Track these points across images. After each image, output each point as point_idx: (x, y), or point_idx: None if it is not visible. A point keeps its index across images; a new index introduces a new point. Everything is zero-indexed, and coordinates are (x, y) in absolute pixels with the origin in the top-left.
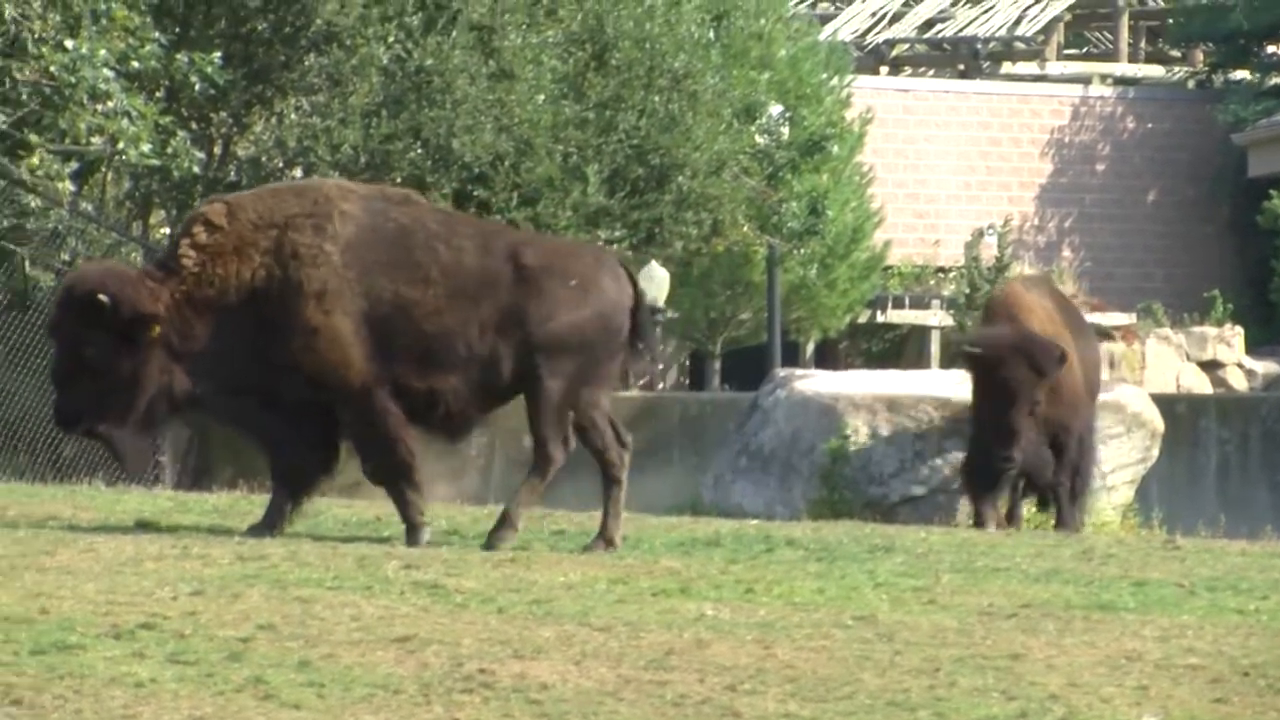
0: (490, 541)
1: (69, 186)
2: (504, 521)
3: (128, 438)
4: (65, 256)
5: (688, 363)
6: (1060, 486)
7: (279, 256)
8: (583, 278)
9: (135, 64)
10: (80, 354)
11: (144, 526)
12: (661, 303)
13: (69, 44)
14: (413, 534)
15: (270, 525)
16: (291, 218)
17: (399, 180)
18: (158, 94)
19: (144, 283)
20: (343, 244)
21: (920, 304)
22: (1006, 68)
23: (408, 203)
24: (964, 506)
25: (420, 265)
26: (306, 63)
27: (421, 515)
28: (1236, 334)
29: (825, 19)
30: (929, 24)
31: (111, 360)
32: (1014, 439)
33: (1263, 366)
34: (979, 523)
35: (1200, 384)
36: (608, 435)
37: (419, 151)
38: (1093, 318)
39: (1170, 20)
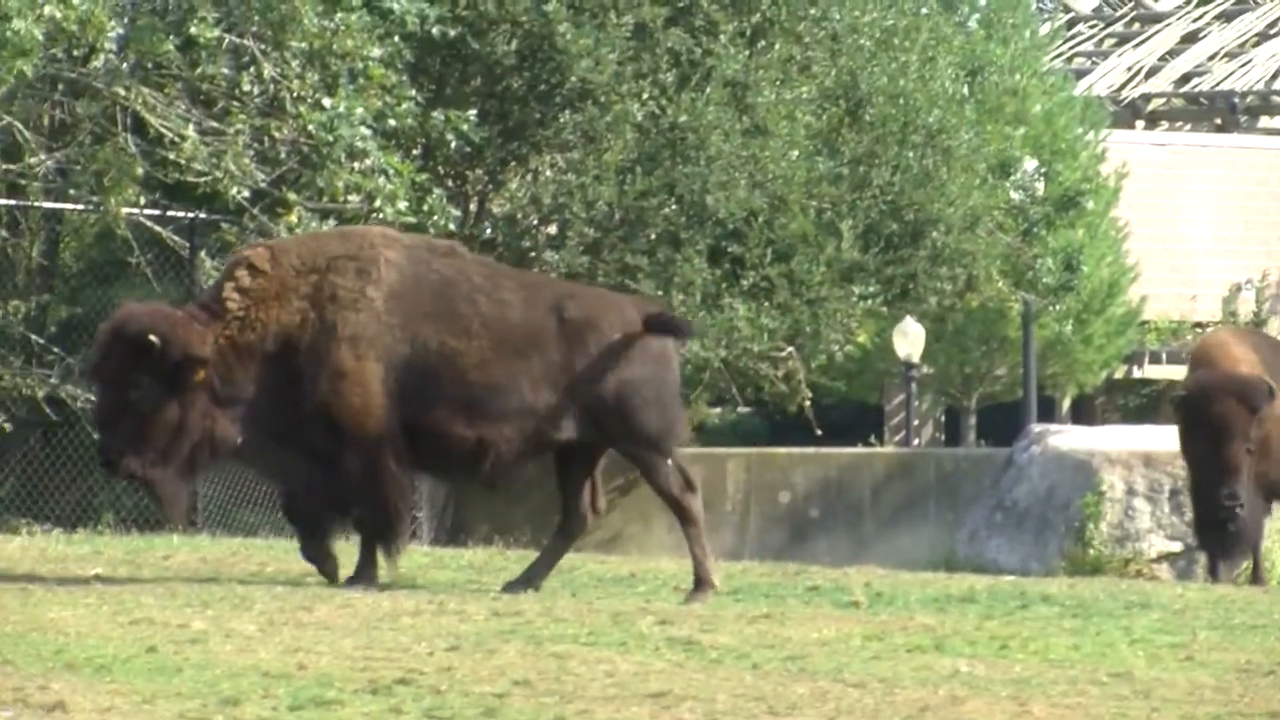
0: (689, 603)
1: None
2: (698, 585)
3: (170, 483)
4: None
5: (943, 418)
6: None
7: (317, 299)
8: (626, 330)
9: (392, 122)
10: (125, 396)
11: (400, 582)
12: (916, 358)
13: (327, 103)
14: (356, 581)
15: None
16: (334, 259)
17: (653, 236)
18: (414, 151)
19: (192, 324)
20: (386, 290)
21: (1177, 359)
22: (1265, 121)
23: (452, 254)
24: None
25: (464, 317)
26: (561, 120)
27: (375, 572)
28: None
29: (1080, 74)
30: (1186, 78)
31: (157, 403)
32: (1234, 475)
33: None
34: (1213, 575)
35: None
36: (584, 492)
37: (673, 208)
38: None
39: None
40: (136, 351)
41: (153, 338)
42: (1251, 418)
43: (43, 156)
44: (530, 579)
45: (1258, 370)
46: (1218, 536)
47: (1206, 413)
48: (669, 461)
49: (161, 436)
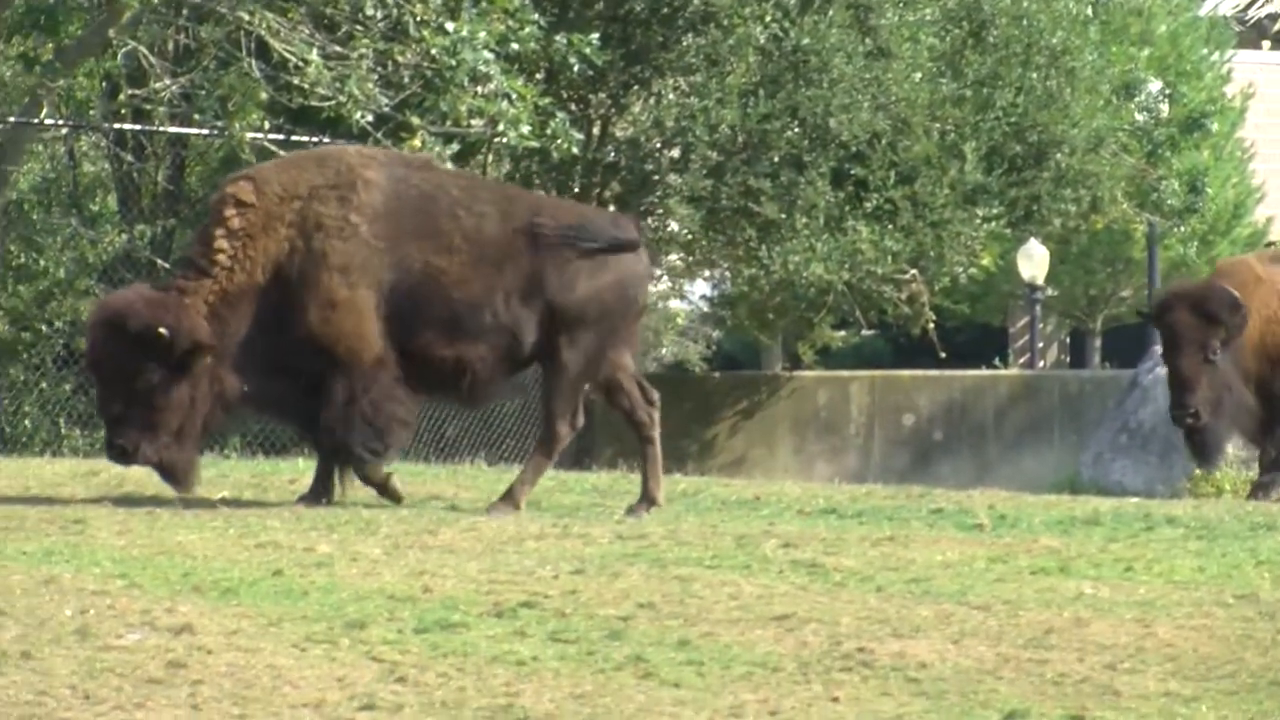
0: (490, 513)
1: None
2: (506, 497)
3: (184, 460)
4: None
5: (1068, 340)
6: (1264, 452)
7: (303, 229)
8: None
9: (514, 46)
10: (131, 386)
11: (526, 506)
12: (1040, 280)
13: (449, 26)
14: (311, 498)
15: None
16: (315, 189)
17: (776, 160)
18: (537, 75)
19: (184, 302)
20: (370, 214)
21: None
22: None
23: (427, 168)
24: None
25: (446, 233)
26: (684, 43)
27: (330, 492)
28: None
29: None
30: None
31: (167, 389)
32: (1185, 387)
33: None
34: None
35: None
36: (635, 395)
37: (796, 131)
38: None
39: None
40: (143, 343)
41: (163, 330)
42: (1209, 327)
43: (168, 81)
44: (649, 497)
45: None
46: (1188, 446)
47: (1162, 323)
48: (581, 387)
49: (175, 418)
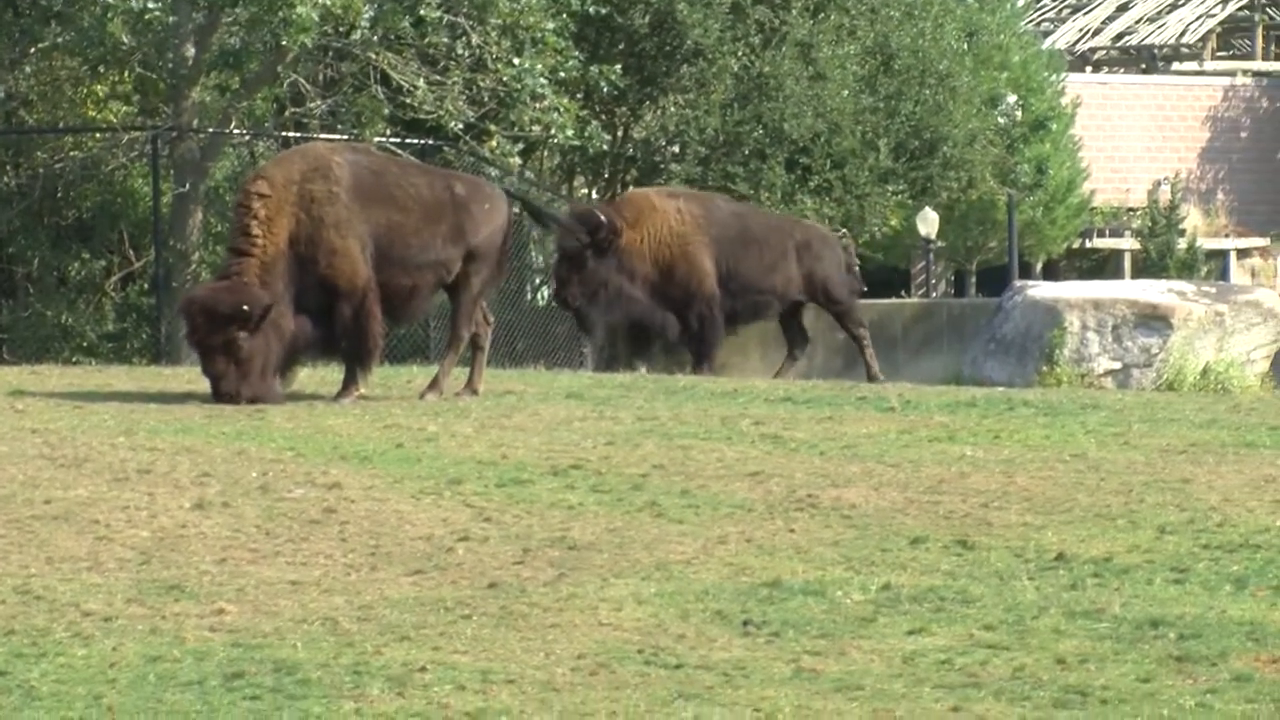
0: (423, 396)
1: (516, 161)
2: (433, 386)
3: (270, 391)
4: (515, 210)
5: (952, 278)
6: (690, 349)
7: (303, 203)
8: (491, 202)
9: (561, 74)
10: (228, 350)
11: (572, 397)
12: (933, 236)
13: (516, 61)
14: (344, 395)
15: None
16: (305, 173)
17: (746, 152)
18: (577, 95)
19: (244, 282)
20: (345, 187)
21: (1116, 234)
22: (1175, 66)
23: (369, 153)
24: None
25: (397, 199)
26: (681, 71)
27: (359, 387)
28: None
29: (1046, 34)
30: (1119, 36)
31: (249, 346)
32: (559, 283)
33: None
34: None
35: None
36: (478, 317)
37: (760, 132)
38: (1237, 241)
39: None
40: (232, 320)
41: (246, 307)
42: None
43: (319, 102)
44: (436, 383)
45: (682, 223)
46: (576, 321)
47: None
48: (481, 304)
49: (258, 364)
